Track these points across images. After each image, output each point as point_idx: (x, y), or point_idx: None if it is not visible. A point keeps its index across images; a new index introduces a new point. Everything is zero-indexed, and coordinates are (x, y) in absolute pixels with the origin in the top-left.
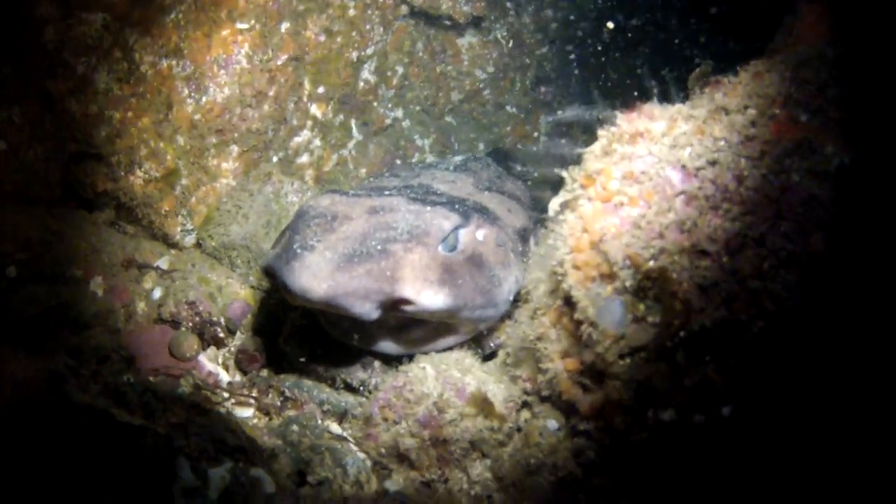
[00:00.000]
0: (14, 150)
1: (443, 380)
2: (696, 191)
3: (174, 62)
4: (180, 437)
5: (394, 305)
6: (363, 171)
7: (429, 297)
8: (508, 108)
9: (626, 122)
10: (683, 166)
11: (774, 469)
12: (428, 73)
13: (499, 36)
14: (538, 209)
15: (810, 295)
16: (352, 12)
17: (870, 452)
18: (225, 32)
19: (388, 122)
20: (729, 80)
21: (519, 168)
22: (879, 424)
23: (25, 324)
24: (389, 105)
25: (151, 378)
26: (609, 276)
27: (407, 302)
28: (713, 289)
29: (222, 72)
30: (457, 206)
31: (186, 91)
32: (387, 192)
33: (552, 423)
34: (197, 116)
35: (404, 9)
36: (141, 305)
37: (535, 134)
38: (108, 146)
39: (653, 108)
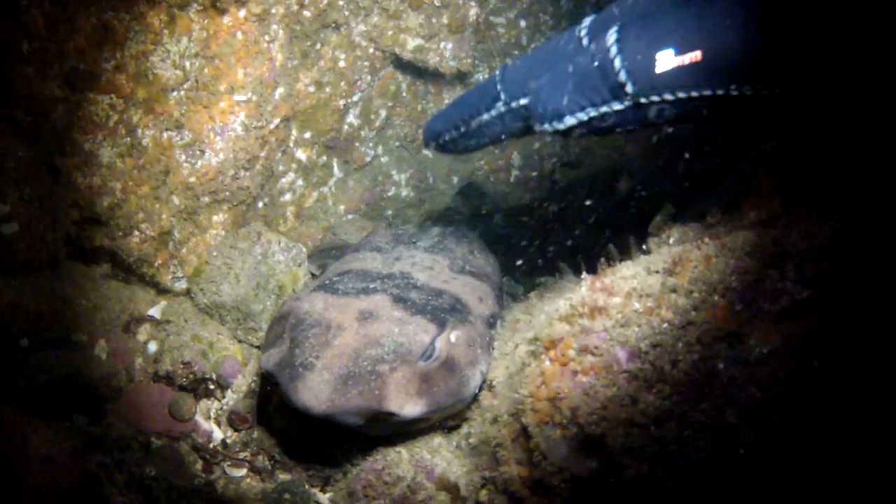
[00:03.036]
0: (25, 228)
1: (415, 462)
2: (637, 371)
3: (174, 133)
4: None
5: (379, 415)
6: (342, 207)
7: (409, 408)
8: None
9: (589, 291)
10: (630, 347)
11: None
12: (409, 112)
13: (481, 78)
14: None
15: (720, 454)
16: (342, 64)
17: None
18: (223, 104)
19: (367, 159)
20: (684, 255)
21: (489, 204)
22: None
23: (39, 392)
24: (370, 144)
25: (155, 440)
26: (559, 425)
27: (391, 414)
28: (640, 450)
29: (218, 138)
30: (434, 312)
31: (183, 157)
32: (372, 286)
33: None
34: (192, 179)
35: (392, 58)
36: (139, 361)
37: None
38: (109, 213)
39: (614, 281)
